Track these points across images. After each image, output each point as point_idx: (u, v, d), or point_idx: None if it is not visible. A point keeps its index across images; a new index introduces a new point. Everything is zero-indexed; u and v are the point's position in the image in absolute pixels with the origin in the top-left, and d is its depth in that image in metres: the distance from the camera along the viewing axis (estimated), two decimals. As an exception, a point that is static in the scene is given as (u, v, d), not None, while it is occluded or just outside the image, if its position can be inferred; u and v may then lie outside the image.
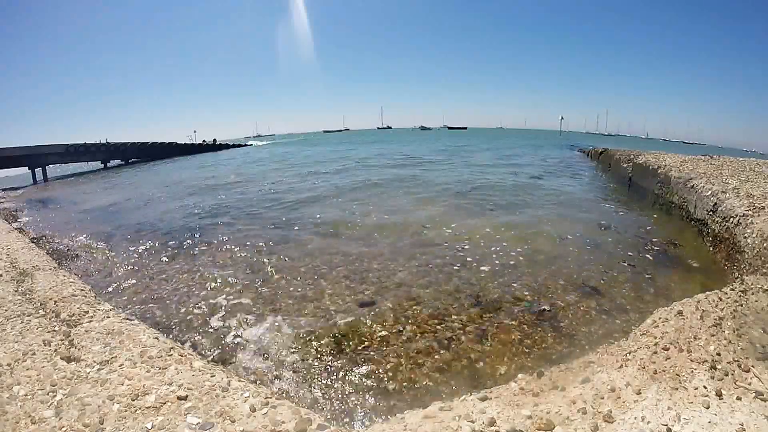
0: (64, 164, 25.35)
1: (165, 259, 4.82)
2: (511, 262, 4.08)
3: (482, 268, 3.95)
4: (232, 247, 5.08)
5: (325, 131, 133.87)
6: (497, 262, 4.11)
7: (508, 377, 2.20)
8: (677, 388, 1.60)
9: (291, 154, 23.68)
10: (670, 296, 3.06)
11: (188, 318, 3.20)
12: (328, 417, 1.88)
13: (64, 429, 1.38)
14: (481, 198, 7.65)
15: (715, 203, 4.33)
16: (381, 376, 2.35)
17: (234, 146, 42.90)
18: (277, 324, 3.01)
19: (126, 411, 1.47)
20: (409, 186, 9.43)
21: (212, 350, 2.72)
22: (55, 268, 3.36)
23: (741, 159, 7.00)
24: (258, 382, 2.27)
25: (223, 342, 2.81)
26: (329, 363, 2.50)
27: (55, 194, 13.36)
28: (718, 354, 1.80)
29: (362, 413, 2.06)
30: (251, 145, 47.83)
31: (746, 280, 2.69)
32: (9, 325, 2.13)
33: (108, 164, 27.45)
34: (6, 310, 2.33)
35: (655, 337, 2.00)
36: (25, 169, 21.15)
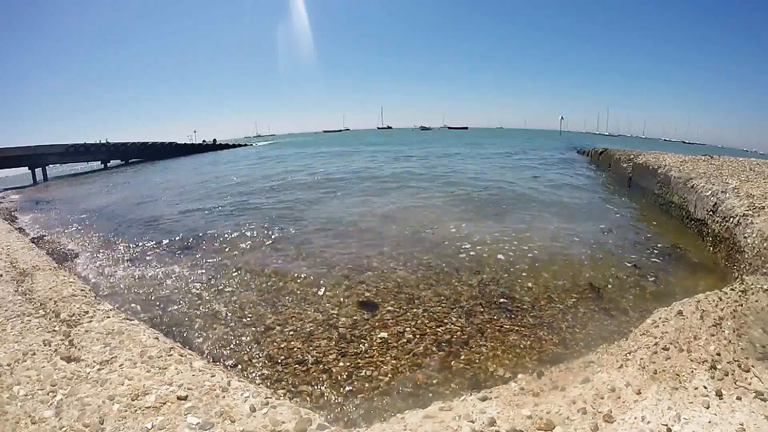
0: (64, 164, 25.37)
1: (166, 258, 4.82)
2: (511, 263, 4.08)
3: (482, 267, 3.95)
4: (235, 247, 5.08)
5: (325, 131, 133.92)
6: (498, 261, 4.12)
7: (508, 378, 2.20)
8: (677, 388, 1.60)
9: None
10: (670, 296, 3.06)
11: (189, 318, 3.20)
12: (328, 417, 1.88)
13: (64, 429, 1.38)
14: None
15: (715, 203, 4.33)
16: (381, 376, 2.35)
17: (234, 146, 42.80)
18: (279, 324, 3.01)
19: (126, 411, 1.47)
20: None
21: (212, 350, 2.72)
22: (55, 268, 3.35)
23: (741, 159, 7.00)
24: (259, 382, 2.27)
25: (224, 342, 2.81)
26: (330, 364, 2.50)
27: (56, 194, 13.36)
28: (718, 354, 1.80)
29: (362, 413, 2.06)
30: (251, 145, 47.53)
31: (746, 280, 2.69)
32: (9, 325, 2.13)
33: (108, 164, 27.46)
34: (6, 310, 2.33)
35: (655, 337, 2.00)
36: (25, 169, 21.15)
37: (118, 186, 13.98)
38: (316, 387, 2.28)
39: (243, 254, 4.77)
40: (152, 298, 3.63)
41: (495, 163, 15.29)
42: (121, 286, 4.01)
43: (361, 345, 2.69)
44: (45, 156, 21.67)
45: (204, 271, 4.28)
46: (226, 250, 4.99)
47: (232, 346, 2.76)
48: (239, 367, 2.50)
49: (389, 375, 2.35)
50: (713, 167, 5.86)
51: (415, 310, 3.14)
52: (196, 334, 2.93)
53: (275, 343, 2.75)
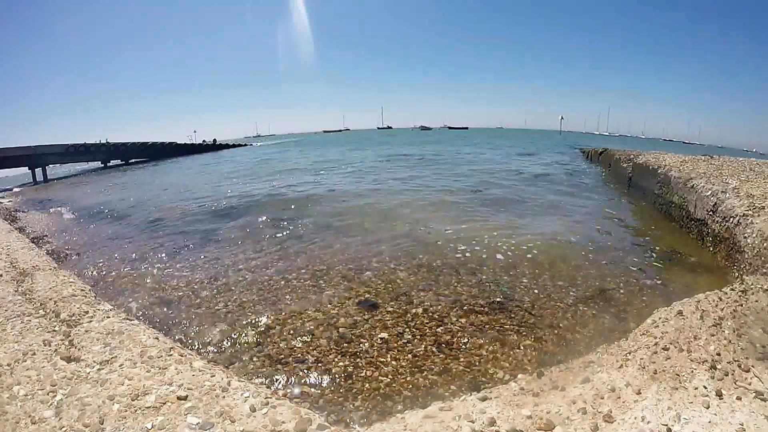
0: (64, 164, 25.38)
1: (166, 258, 4.82)
2: (511, 263, 4.08)
3: (482, 267, 3.95)
4: (236, 246, 5.08)
5: (325, 131, 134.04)
6: (498, 262, 4.12)
7: (508, 378, 2.20)
8: (677, 388, 1.60)
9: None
10: (670, 296, 3.06)
11: (189, 318, 3.20)
12: (329, 417, 1.88)
13: (64, 429, 1.38)
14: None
15: (715, 203, 4.33)
16: (381, 377, 2.35)
17: (234, 146, 42.73)
18: (278, 324, 3.01)
19: (126, 411, 1.47)
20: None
21: (212, 350, 2.72)
22: (55, 268, 3.35)
23: (741, 159, 7.00)
24: (258, 382, 2.27)
25: (224, 342, 2.81)
26: (330, 364, 2.50)
27: (56, 194, 13.35)
28: (718, 354, 1.80)
29: (362, 413, 2.06)
30: (252, 145, 47.43)
31: (746, 280, 2.69)
32: (9, 325, 2.12)
33: (108, 164, 27.45)
34: (6, 310, 2.33)
35: (655, 337, 2.00)
36: (25, 169, 21.16)
37: (118, 186, 13.97)
38: (316, 387, 2.28)
39: (243, 253, 4.77)
40: (152, 298, 3.63)
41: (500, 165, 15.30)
42: (122, 285, 4.01)
43: (361, 345, 2.69)
44: (45, 156, 21.66)
45: (204, 270, 4.28)
46: (227, 249, 4.99)
47: (232, 345, 2.76)
48: (239, 366, 2.50)
49: (389, 375, 2.35)
50: (713, 167, 5.86)
51: (414, 310, 3.14)
52: (196, 334, 2.93)
53: (275, 343, 2.75)
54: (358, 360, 2.51)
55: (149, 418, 1.44)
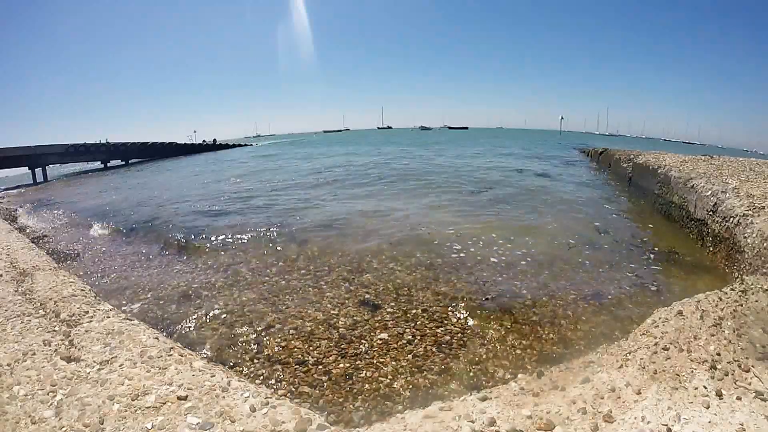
0: (64, 164, 25.38)
1: (166, 258, 4.82)
2: (510, 263, 4.08)
3: (481, 268, 3.95)
4: (236, 246, 5.07)
5: (325, 131, 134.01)
6: (498, 262, 4.12)
7: (508, 378, 2.20)
8: (677, 388, 1.60)
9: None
10: (670, 296, 3.06)
11: (189, 318, 3.20)
12: (329, 417, 1.88)
13: (64, 429, 1.38)
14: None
15: (715, 203, 4.32)
16: (381, 377, 2.35)
17: (234, 146, 42.63)
18: (279, 324, 3.01)
19: (126, 411, 1.47)
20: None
21: (213, 350, 2.72)
22: (55, 268, 3.35)
23: (741, 159, 6.99)
24: (259, 382, 2.27)
25: (224, 342, 2.81)
26: (330, 364, 2.50)
27: (56, 194, 13.34)
28: (718, 354, 1.80)
29: (363, 413, 2.06)
30: (252, 145, 47.24)
31: (746, 280, 2.69)
32: (9, 325, 2.12)
33: (108, 164, 27.42)
34: (6, 310, 2.33)
35: (655, 337, 2.00)
36: (25, 169, 21.15)
37: (118, 186, 13.97)
38: (316, 388, 2.28)
39: (243, 254, 4.77)
40: (152, 298, 3.63)
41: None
42: (122, 285, 4.01)
43: (361, 346, 2.69)
44: (45, 156, 21.66)
45: (204, 270, 4.28)
46: (227, 249, 4.99)
47: (232, 345, 2.76)
48: (239, 367, 2.50)
49: (389, 376, 2.35)
50: (713, 167, 5.86)
51: (414, 311, 3.14)
52: (196, 334, 2.93)
53: (275, 343, 2.75)
54: (359, 361, 2.51)
55: (149, 418, 1.44)
